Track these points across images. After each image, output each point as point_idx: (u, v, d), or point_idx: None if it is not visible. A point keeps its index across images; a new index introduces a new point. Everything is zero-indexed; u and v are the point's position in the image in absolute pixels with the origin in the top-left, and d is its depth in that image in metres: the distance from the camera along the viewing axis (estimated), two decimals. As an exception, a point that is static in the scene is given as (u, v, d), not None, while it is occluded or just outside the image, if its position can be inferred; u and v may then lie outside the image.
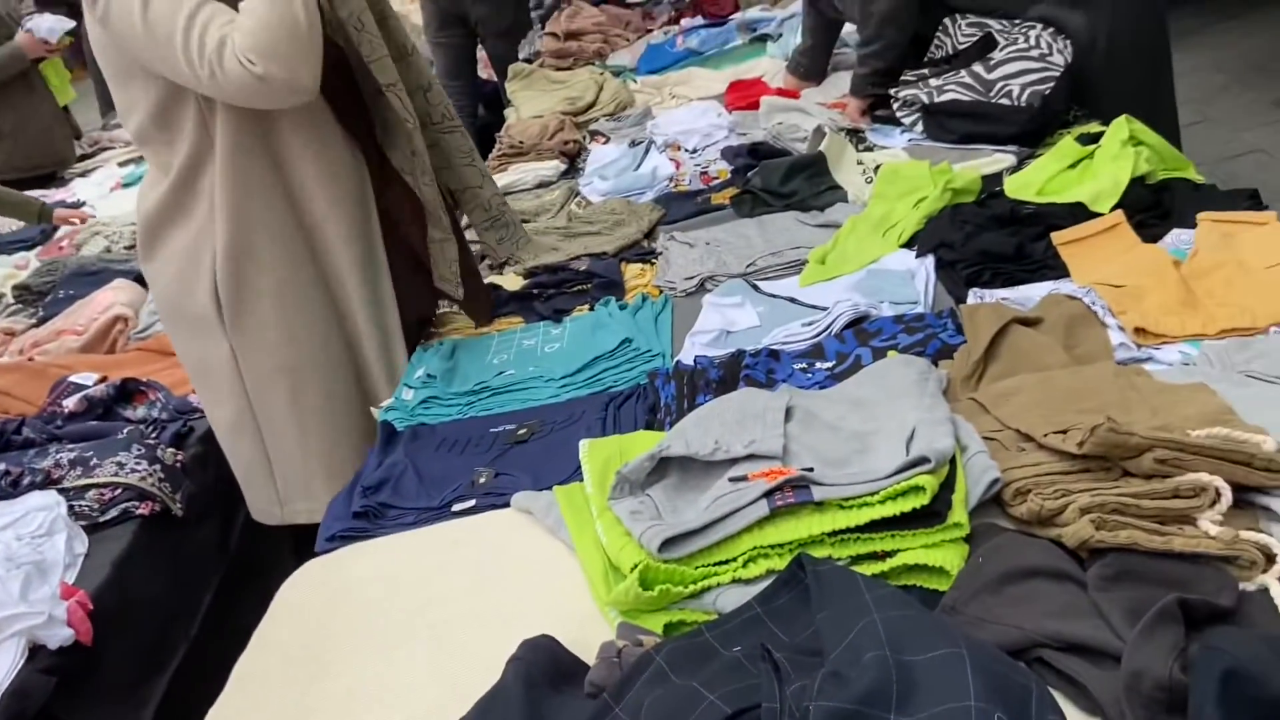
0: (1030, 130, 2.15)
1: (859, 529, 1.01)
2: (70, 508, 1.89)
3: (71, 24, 4.32)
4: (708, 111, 2.93)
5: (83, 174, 4.42)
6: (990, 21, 2.35)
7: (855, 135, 2.45)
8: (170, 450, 2.09)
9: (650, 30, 4.11)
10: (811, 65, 2.95)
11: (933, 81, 2.32)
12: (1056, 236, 1.64)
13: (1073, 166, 1.89)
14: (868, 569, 1.00)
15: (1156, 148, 1.82)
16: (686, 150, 2.73)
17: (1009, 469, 1.07)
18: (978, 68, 2.24)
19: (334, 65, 1.72)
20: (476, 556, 1.25)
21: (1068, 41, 2.23)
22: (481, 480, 1.41)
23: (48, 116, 4.34)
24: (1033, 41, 2.23)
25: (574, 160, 2.96)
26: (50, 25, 4.17)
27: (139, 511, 1.94)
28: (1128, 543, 0.93)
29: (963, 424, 1.15)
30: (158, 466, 2.01)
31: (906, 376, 1.24)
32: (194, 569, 2.11)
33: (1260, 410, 1.09)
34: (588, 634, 1.03)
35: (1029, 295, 1.52)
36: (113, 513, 1.93)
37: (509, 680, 0.94)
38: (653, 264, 2.11)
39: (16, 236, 3.70)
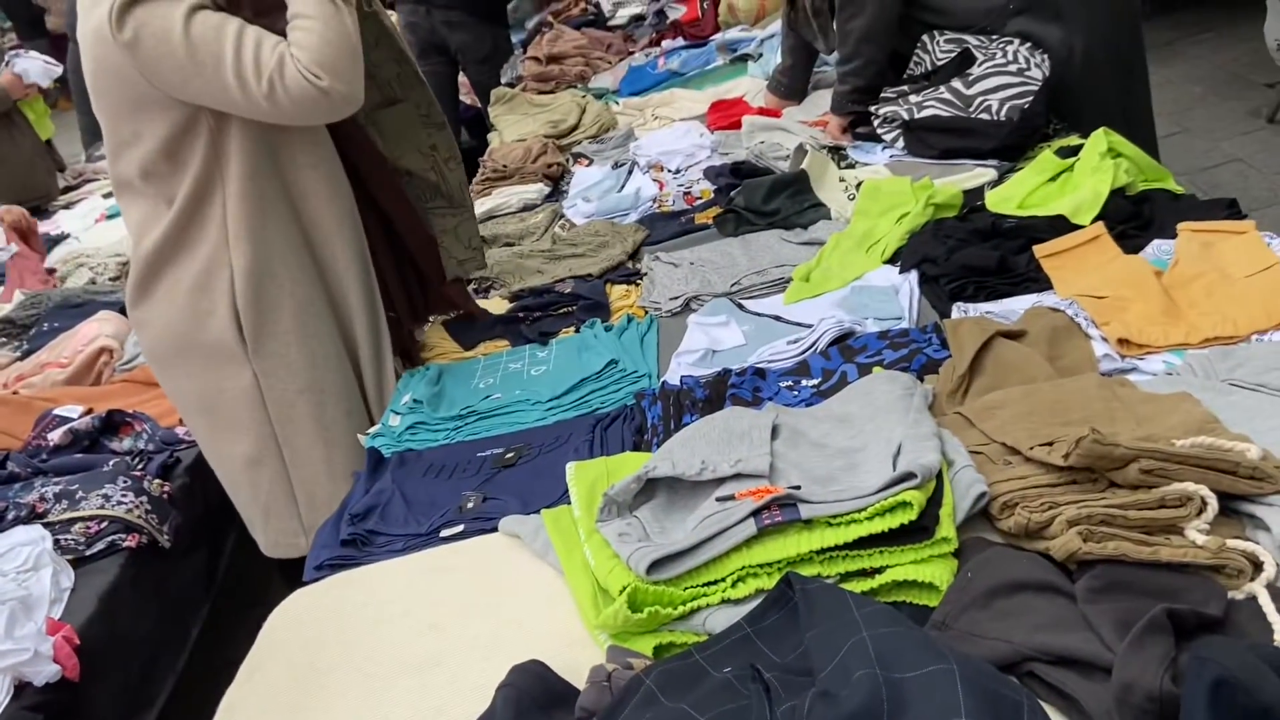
0: (1010, 144, 2.16)
1: (847, 546, 1.01)
2: (56, 541, 1.88)
3: (60, 70, 4.34)
4: (690, 132, 2.94)
5: (67, 206, 4.42)
6: (968, 38, 2.37)
7: (837, 152, 2.46)
8: (157, 482, 2.08)
9: (632, 52, 4.13)
10: (792, 84, 2.97)
11: (912, 98, 2.33)
12: (1039, 249, 1.65)
13: (1053, 179, 1.90)
14: (856, 586, 1.00)
15: (1135, 159, 1.83)
16: (669, 171, 2.74)
17: (996, 482, 1.07)
18: (957, 83, 2.26)
19: None
20: (465, 582, 1.24)
21: (1045, 56, 2.25)
22: (469, 505, 1.40)
23: (29, 151, 4.35)
24: (1010, 56, 2.25)
25: (557, 183, 2.97)
26: (42, 70, 4.19)
27: (126, 544, 1.93)
28: (1115, 554, 0.93)
29: (949, 438, 1.15)
30: (144, 498, 2.00)
31: (892, 392, 1.24)
32: (182, 600, 2.09)
33: (1244, 418, 1.09)
34: (577, 658, 1.02)
35: (1012, 309, 1.53)
36: (99, 545, 1.91)
37: (499, 707, 0.93)
38: (638, 285, 2.11)
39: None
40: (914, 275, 1.75)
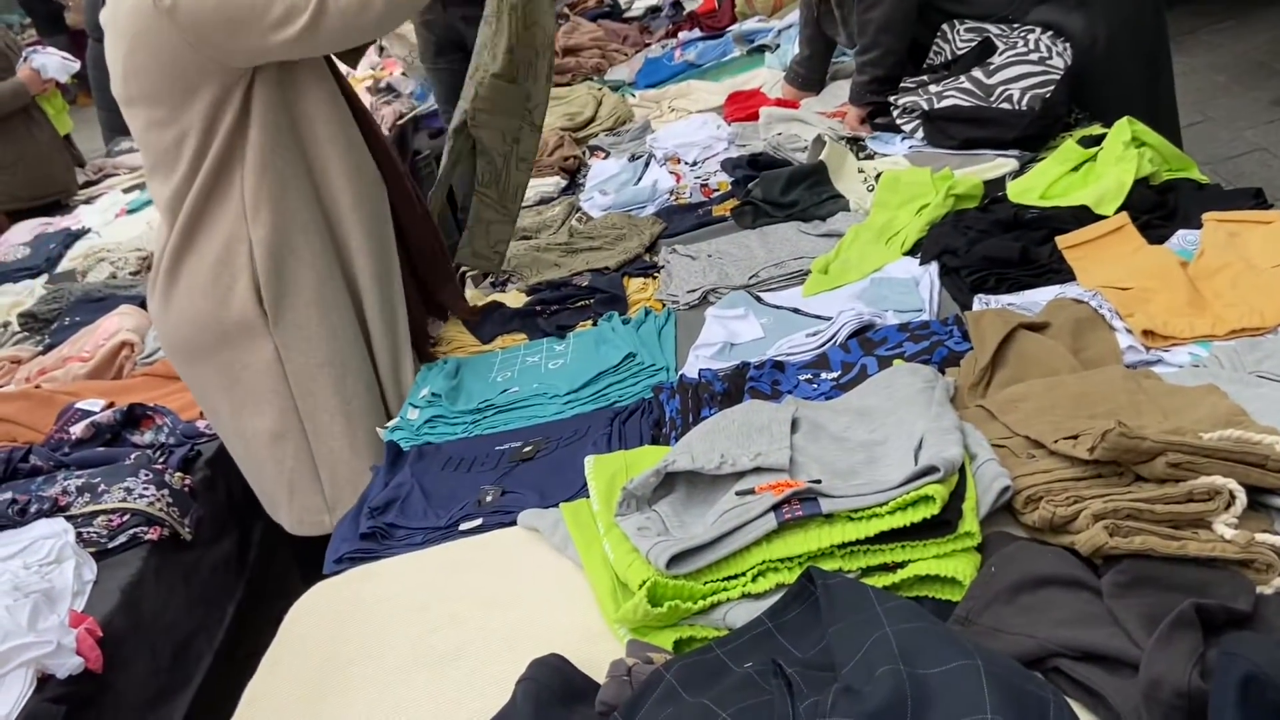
0: (1032, 134, 2.14)
1: (869, 541, 1.00)
2: (78, 534, 1.89)
3: (77, 65, 4.36)
4: (707, 124, 2.93)
5: (87, 201, 4.44)
6: (989, 26, 2.34)
7: (855, 144, 2.45)
8: (178, 475, 2.09)
9: (648, 44, 4.11)
10: (809, 75, 2.95)
11: (932, 88, 2.31)
12: (1061, 240, 1.63)
13: (1075, 169, 1.88)
14: (878, 581, 1.00)
15: (1159, 148, 1.81)
16: (686, 163, 2.73)
17: (1019, 476, 1.06)
18: (977, 73, 2.24)
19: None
20: (484, 576, 1.24)
21: (1067, 44, 2.22)
22: (488, 499, 1.40)
23: (48, 146, 4.37)
24: (1032, 45, 2.23)
25: (574, 176, 2.96)
26: (59, 65, 4.21)
27: (148, 537, 1.94)
28: (1142, 548, 0.92)
29: (972, 432, 1.14)
30: (166, 491, 2.01)
31: (913, 385, 1.23)
32: (210, 591, 2.10)
33: (1272, 411, 1.08)
34: (597, 652, 1.02)
35: (1035, 300, 1.51)
36: (121, 539, 1.92)
37: (519, 700, 0.93)
38: (655, 278, 2.10)
39: (22, 265, 3.71)
40: (934, 267, 1.73)
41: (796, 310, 1.76)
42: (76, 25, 5.60)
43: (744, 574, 1.02)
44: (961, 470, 1.04)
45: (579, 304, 2.04)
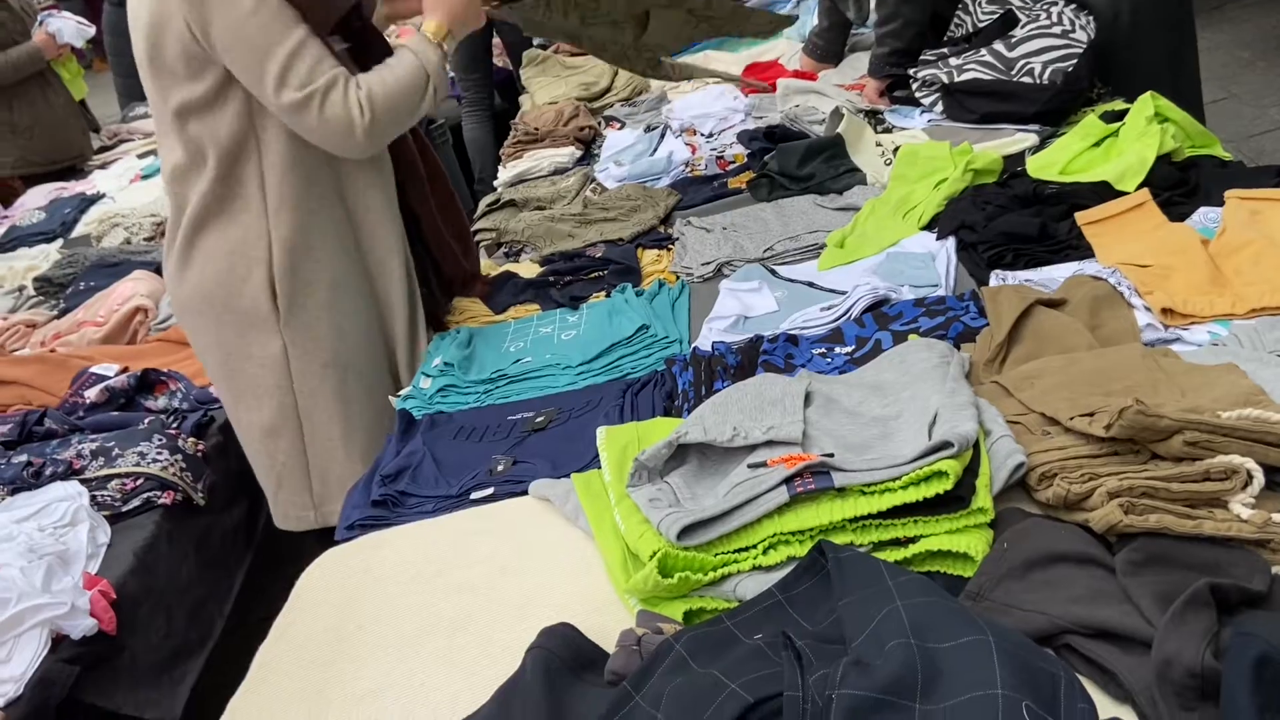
0: (1053, 108, 2.11)
1: (881, 515, 1.00)
2: (92, 498, 1.90)
3: (93, 30, 4.35)
4: (724, 95, 2.90)
5: (102, 166, 4.45)
6: (1011, -1, 2.31)
7: (874, 117, 2.42)
8: (191, 440, 2.10)
9: (666, 14, 4.07)
10: (828, 47, 2.92)
11: (953, 61, 2.28)
12: (1081, 216, 1.61)
13: (1097, 145, 1.86)
14: (890, 555, 0.99)
15: (1182, 124, 1.78)
16: (702, 135, 2.71)
17: (1034, 453, 1.05)
18: (999, 46, 2.21)
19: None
20: (495, 544, 1.24)
21: (1090, 18, 2.19)
22: (500, 468, 1.40)
23: (63, 111, 4.36)
24: (1054, 18, 2.20)
25: (589, 146, 2.95)
26: (75, 30, 4.19)
27: (161, 501, 1.95)
28: (1157, 527, 0.91)
29: (986, 408, 1.13)
30: (179, 456, 2.02)
31: (928, 360, 1.22)
32: (222, 554, 2.12)
33: (1292, 391, 1.06)
34: (607, 621, 1.02)
35: (1053, 276, 1.50)
36: (135, 502, 1.94)
37: (529, 668, 0.94)
38: (669, 250, 2.09)
39: (37, 229, 3.72)
40: (951, 242, 1.72)
41: (811, 284, 1.75)
42: (92, -9, 5.58)
43: (755, 546, 1.02)
44: (975, 446, 1.03)
45: (592, 275, 2.03)
